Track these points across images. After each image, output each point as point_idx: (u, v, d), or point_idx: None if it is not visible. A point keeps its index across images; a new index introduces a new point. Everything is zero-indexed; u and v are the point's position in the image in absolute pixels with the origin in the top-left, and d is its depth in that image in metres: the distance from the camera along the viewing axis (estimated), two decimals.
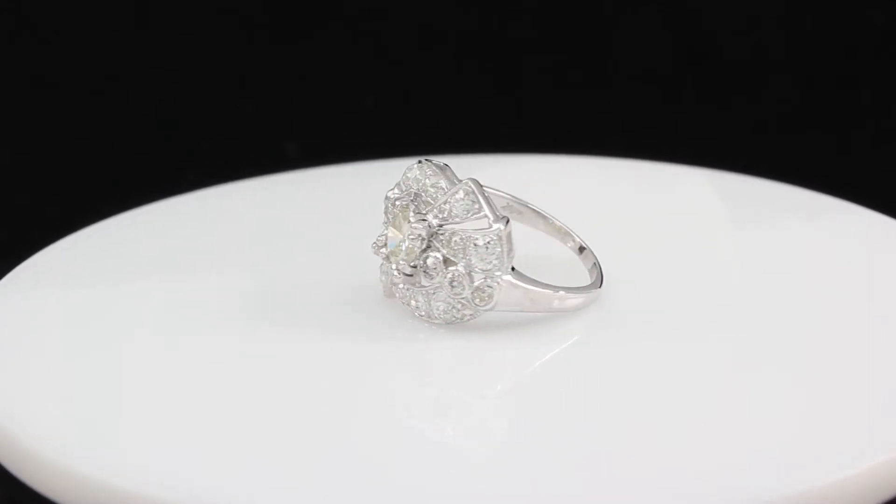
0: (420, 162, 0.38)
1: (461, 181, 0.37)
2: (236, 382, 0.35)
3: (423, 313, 0.37)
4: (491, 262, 0.36)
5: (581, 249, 0.41)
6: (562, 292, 0.38)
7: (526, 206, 0.41)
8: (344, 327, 0.38)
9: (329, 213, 0.46)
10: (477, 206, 0.37)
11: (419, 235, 0.37)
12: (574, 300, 0.38)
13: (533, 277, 0.37)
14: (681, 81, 0.65)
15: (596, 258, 0.40)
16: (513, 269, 0.37)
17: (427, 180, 0.37)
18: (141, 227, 0.45)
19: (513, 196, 0.41)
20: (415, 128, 0.65)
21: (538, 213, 0.41)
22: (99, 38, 0.64)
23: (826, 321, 0.38)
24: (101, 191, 0.59)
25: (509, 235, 0.37)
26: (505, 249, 0.36)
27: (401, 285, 0.37)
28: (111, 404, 0.34)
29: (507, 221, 0.37)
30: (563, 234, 0.41)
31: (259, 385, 0.35)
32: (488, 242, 0.36)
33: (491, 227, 0.36)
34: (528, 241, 0.39)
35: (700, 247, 0.43)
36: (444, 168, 0.38)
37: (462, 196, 0.37)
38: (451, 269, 0.36)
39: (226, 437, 0.33)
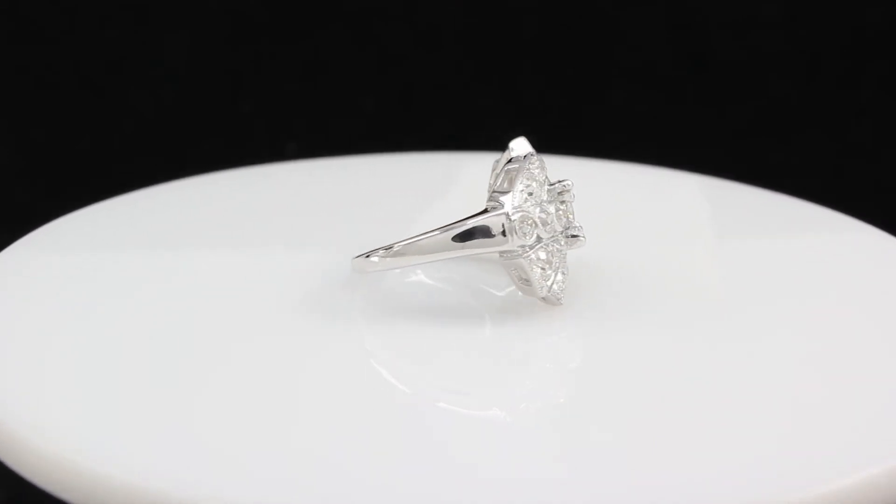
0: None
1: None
2: (237, 373, 0.35)
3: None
4: None
5: None
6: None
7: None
8: (344, 318, 0.38)
9: (332, 201, 0.47)
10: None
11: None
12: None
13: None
14: (681, 81, 0.66)
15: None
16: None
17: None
18: (133, 211, 0.45)
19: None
20: (415, 128, 0.65)
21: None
22: (99, 37, 0.64)
23: (818, 323, 0.38)
24: (101, 190, 0.59)
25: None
26: None
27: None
28: (111, 394, 0.34)
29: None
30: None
31: (257, 374, 0.35)
32: None
33: None
34: None
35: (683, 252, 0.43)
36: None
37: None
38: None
39: (232, 428, 0.33)
